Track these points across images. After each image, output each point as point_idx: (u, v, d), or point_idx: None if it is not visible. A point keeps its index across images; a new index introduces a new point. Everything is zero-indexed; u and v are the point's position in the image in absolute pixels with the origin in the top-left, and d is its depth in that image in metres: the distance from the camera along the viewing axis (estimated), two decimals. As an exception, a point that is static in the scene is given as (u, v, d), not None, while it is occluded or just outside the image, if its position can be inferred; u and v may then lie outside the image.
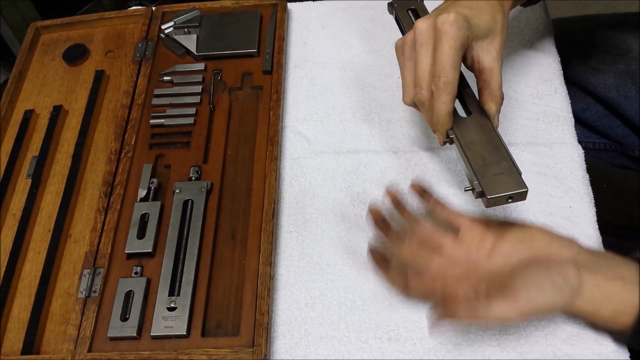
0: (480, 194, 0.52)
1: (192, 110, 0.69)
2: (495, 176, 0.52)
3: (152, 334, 0.55)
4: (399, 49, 0.57)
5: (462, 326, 0.54)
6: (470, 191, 0.53)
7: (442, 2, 0.57)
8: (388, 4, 0.66)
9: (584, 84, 0.79)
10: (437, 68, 0.52)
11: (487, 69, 0.55)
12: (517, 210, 0.61)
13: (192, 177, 0.64)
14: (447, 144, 0.56)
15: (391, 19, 0.77)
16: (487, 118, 0.55)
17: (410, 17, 0.64)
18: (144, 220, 0.62)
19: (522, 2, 0.64)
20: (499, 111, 0.56)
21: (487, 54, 0.54)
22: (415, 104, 0.56)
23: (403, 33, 0.64)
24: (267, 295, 0.56)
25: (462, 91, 0.57)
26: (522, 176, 0.52)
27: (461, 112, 0.57)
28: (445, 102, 0.52)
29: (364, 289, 0.58)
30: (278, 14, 0.76)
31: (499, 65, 0.55)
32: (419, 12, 0.64)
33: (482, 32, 0.53)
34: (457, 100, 0.56)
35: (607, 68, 0.78)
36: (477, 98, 0.57)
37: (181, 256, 0.59)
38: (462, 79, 0.57)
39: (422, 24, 0.52)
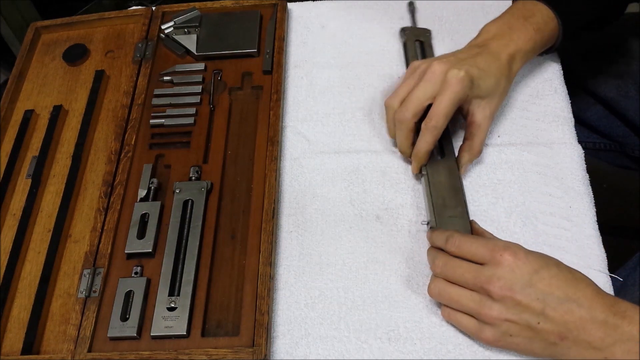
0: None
1: (192, 110, 0.69)
2: (449, 218, 0.58)
3: (152, 334, 0.55)
4: (412, 68, 0.63)
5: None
6: (426, 225, 0.61)
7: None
8: (400, 29, 0.75)
9: (584, 83, 0.79)
10: (432, 112, 0.58)
11: (476, 124, 0.61)
12: (517, 210, 0.61)
13: (192, 177, 0.64)
14: (419, 177, 0.64)
15: (391, 19, 0.77)
16: (457, 164, 0.62)
17: (416, 48, 0.73)
18: (144, 220, 0.62)
19: (536, 55, 0.67)
20: (470, 162, 0.63)
21: (481, 111, 0.61)
22: (390, 110, 0.63)
23: (406, 59, 0.72)
24: (267, 295, 0.56)
25: (443, 134, 0.63)
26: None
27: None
28: (427, 141, 0.59)
29: (364, 289, 0.58)
30: (278, 14, 0.76)
31: (488, 124, 0.62)
32: (425, 45, 0.73)
33: (482, 93, 0.60)
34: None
35: (608, 68, 0.78)
36: (453, 144, 0.64)
37: (181, 256, 0.59)
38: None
39: (438, 67, 0.58)
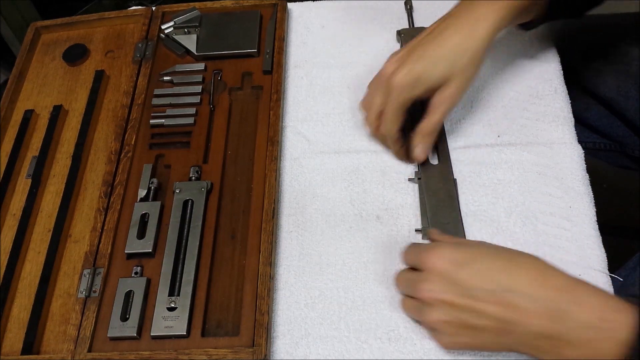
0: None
1: (192, 110, 0.69)
2: (443, 224, 0.59)
3: (152, 334, 0.55)
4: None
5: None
6: (420, 231, 0.60)
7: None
8: (396, 32, 0.74)
9: (584, 84, 0.79)
10: (382, 119, 0.61)
11: (432, 104, 0.59)
12: (517, 210, 0.61)
13: (192, 177, 0.64)
14: (414, 181, 0.63)
15: (391, 19, 0.77)
16: (451, 168, 0.63)
17: None
18: (144, 220, 0.62)
19: (516, 23, 0.63)
20: (422, 144, 0.60)
21: (439, 92, 0.59)
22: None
23: None
24: (267, 295, 0.56)
25: (439, 139, 0.64)
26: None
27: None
28: (390, 144, 0.62)
29: (364, 289, 0.58)
30: (278, 14, 0.76)
31: (445, 106, 0.59)
32: None
33: (435, 83, 0.58)
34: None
35: (608, 68, 0.78)
36: (448, 149, 0.64)
37: (181, 256, 0.59)
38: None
39: (385, 70, 0.59)
